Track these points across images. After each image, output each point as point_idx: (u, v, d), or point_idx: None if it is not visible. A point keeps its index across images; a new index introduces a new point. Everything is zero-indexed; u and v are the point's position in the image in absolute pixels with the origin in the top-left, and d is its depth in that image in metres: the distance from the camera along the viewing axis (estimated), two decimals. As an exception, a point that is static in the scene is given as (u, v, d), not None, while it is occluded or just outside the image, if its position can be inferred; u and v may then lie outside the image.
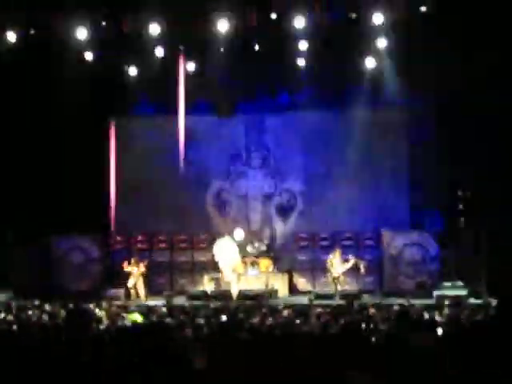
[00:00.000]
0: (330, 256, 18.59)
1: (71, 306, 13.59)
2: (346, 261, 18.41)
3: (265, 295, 18.42)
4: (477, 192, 19.26)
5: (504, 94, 18.36)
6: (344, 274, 18.48)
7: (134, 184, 21.39)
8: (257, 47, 19.18)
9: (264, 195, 21.41)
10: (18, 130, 20.37)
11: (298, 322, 11.75)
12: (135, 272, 18.90)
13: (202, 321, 11.58)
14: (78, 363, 6.83)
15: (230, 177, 21.50)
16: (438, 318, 11.99)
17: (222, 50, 19.09)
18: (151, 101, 21.40)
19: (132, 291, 18.95)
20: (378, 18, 16.85)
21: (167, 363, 6.65)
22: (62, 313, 13.15)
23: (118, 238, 21.08)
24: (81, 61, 18.72)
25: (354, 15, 17.10)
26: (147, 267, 19.27)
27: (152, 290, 19.74)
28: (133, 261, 19.16)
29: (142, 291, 18.91)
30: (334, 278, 18.43)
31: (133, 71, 20.03)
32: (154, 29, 17.54)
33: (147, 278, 19.38)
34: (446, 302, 14.74)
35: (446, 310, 13.13)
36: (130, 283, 18.93)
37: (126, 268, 18.92)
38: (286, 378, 6.48)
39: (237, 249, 18.71)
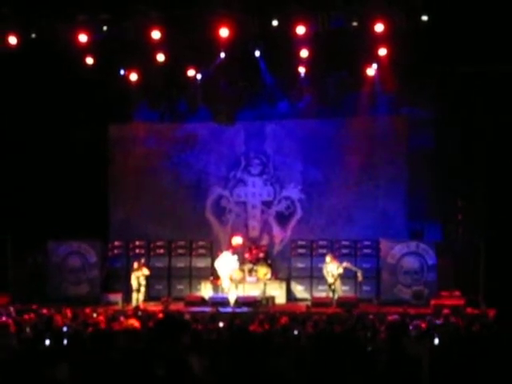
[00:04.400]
0: (323, 264, 18.58)
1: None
2: (342, 266, 18.36)
3: (262, 302, 18.42)
4: (475, 202, 19.24)
5: (504, 104, 18.39)
6: (339, 279, 18.39)
7: (133, 190, 21.43)
8: (258, 54, 19.23)
9: (263, 202, 21.41)
10: (17, 135, 20.38)
11: (294, 329, 11.73)
12: (140, 276, 18.83)
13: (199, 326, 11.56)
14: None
15: (230, 184, 21.49)
16: (434, 327, 11.99)
17: (222, 56, 19.16)
18: (151, 107, 21.41)
19: (134, 295, 18.78)
20: (378, 27, 16.88)
21: (166, 368, 6.64)
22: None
23: (116, 244, 21.05)
24: (82, 65, 18.72)
25: (355, 23, 17.12)
26: (149, 268, 19.26)
27: (150, 295, 19.73)
28: (136, 265, 19.02)
29: (141, 296, 18.82)
30: (329, 285, 18.42)
31: (133, 77, 20.03)
32: (155, 35, 17.55)
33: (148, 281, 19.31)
34: (443, 312, 14.71)
35: (443, 320, 13.13)
36: (134, 285, 18.78)
37: (136, 271, 18.85)
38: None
39: (236, 260, 18.76)
